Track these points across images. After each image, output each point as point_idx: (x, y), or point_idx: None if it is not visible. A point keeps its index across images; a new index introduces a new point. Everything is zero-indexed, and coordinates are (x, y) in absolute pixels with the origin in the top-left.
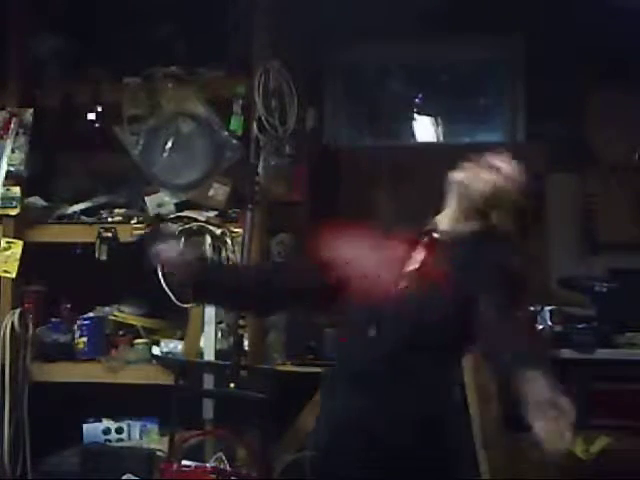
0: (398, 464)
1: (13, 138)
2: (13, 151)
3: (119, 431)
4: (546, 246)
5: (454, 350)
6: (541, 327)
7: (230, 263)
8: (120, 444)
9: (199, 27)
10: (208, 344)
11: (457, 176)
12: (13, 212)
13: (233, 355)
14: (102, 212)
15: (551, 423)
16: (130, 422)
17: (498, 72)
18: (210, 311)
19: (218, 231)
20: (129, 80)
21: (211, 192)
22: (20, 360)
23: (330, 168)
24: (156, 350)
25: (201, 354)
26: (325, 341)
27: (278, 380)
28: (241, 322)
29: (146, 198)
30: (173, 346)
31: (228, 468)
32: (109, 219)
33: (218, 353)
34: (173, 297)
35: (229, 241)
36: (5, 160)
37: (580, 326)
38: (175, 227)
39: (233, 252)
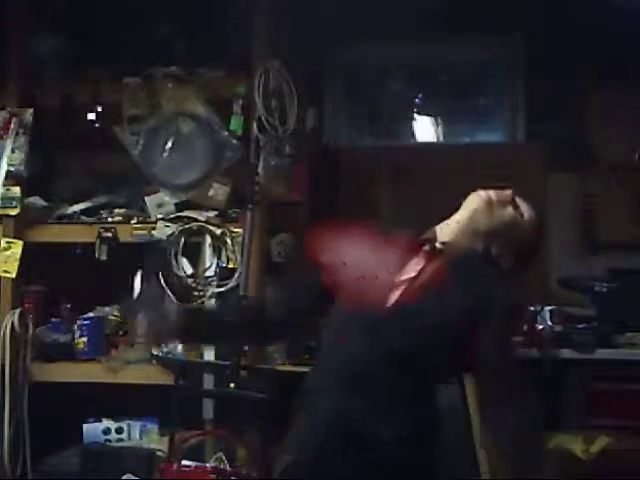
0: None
1: (13, 138)
2: (13, 151)
3: (119, 431)
4: (546, 246)
5: (434, 375)
6: (541, 327)
7: (218, 306)
8: (120, 444)
9: (199, 27)
10: None
11: (485, 194)
12: (13, 212)
13: (233, 355)
14: (102, 212)
15: None
16: (130, 422)
17: (498, 72)
18: None
19: (218, 231)
20: (129, 80)
21: (211, 192)
22: (20, 360)
23: (330, 168)
24: (156, 350)
25: (201, 354)
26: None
27: (278, 380)
28: None
29: (146, 198)
30: (173, 346)
31: (228, 468)
32: (109, 219)
33: (218, 353)
34: (173, 297)
35: (229, 241)
36: (5, 160)
37: (580, 326)
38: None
39: (233, 252)
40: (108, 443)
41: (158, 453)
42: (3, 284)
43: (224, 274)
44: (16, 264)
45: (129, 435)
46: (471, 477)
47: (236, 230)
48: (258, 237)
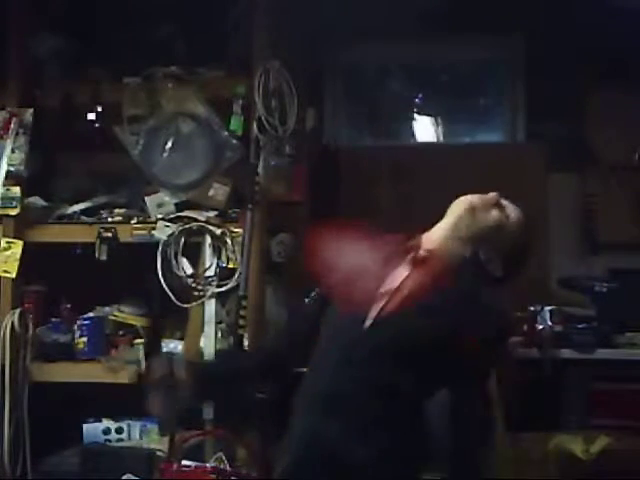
0: None
1: (13, 138)
2: (13, 151)
3: (119, 431)
4: (546, 246)
5: (416, 392)
6: (541, 327)
7: (221, 358)
8: (120, 444)
9: (199, 27)
10: (208, 344)
11: (468, 200)
12: (13, 212)
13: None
14: (102, 212)
15: None
16: (130, 422)
17: (498, 72)
18: (210, 311)
19: (218, 231)
20: (129, 80)
21: (211, 192)
22: (20, 360)
23: (330, 168)
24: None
25: (201, 354)
26: None
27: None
28: (241, 322)
29: (146, 198)
30: (173, 346)
31: (228, 468)
32: (109, 219)
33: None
34: (173, 297)
35: (229, 241)
36: (5, 160)
37: (580, 326)
38: None
39: (233, 252)
40: (108, 443)
41: (158, 453)
42: (3, 284)
43: (224, 274)
44: (16, 264)
45: (129, 435)
46: None
47: (236, 230)
48: (258, 237)
